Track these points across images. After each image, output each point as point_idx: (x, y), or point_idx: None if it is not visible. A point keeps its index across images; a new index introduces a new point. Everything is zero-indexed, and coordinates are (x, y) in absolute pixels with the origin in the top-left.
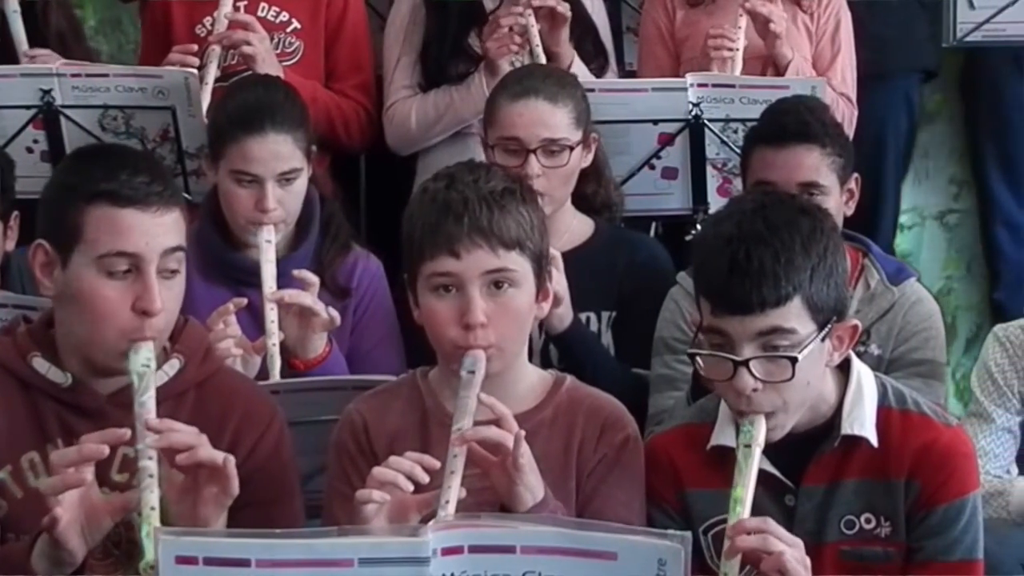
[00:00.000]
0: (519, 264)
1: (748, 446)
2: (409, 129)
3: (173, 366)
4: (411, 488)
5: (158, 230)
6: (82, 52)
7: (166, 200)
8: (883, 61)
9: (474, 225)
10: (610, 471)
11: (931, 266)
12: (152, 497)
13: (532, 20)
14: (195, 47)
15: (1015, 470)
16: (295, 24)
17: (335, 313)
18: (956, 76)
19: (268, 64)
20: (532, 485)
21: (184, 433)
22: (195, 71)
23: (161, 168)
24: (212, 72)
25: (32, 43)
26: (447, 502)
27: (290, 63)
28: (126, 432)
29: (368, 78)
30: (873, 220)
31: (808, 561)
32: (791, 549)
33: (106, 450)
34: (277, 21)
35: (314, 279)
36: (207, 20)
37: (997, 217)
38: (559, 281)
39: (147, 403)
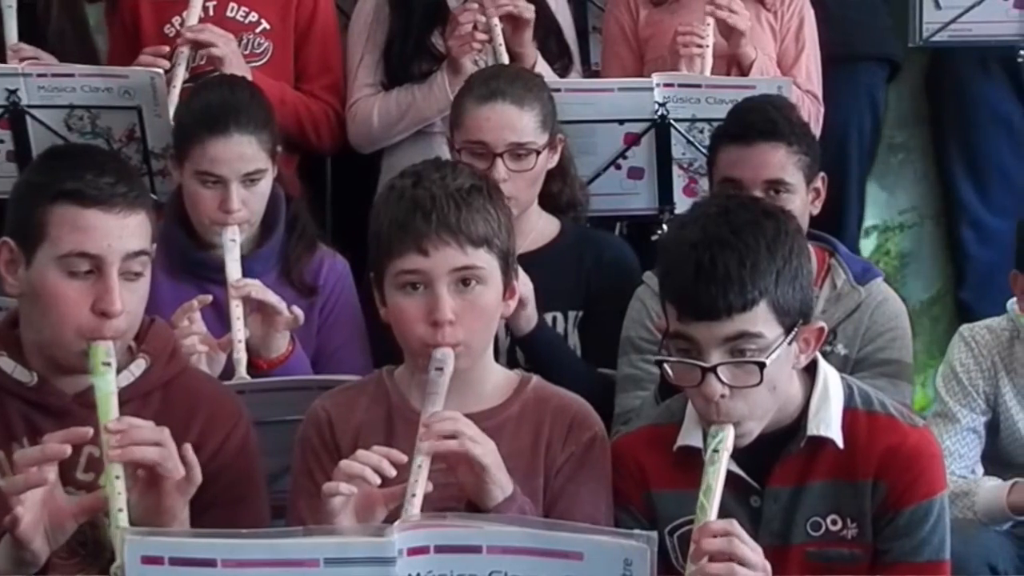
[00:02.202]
0: (487, 261)
1: (717, 451)
2: (371, 127)
3: (139, 366)
4: (378, 481)
5: (122, 232)
6: (83, 52)
7: (131, 202)
8: (846, 43)
9: (442, 223)
10: (577, 470)
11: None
12: (120, 498)
13: (496, 19)
14: (166, 49)
15: (980, 470)
16: (264, 25)
17: (299, 311)
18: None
19: (235, 67)
20: (501, 481)
21: (147, 430)
22: (161, 71)
23: (129, 169)
24: (180, 74)
25: (32, 41)
26: (413, 496)
27: (259, 64)
28: (88, 431)
29: (337, 79)
30: (838, 220)
31: (768, 566)
32: (752, 554)
33: (68, 450)
34: (246, 21)
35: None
36: (176, 20)
37: (963, 217)
38: (525, 283)
39: (109, 404)
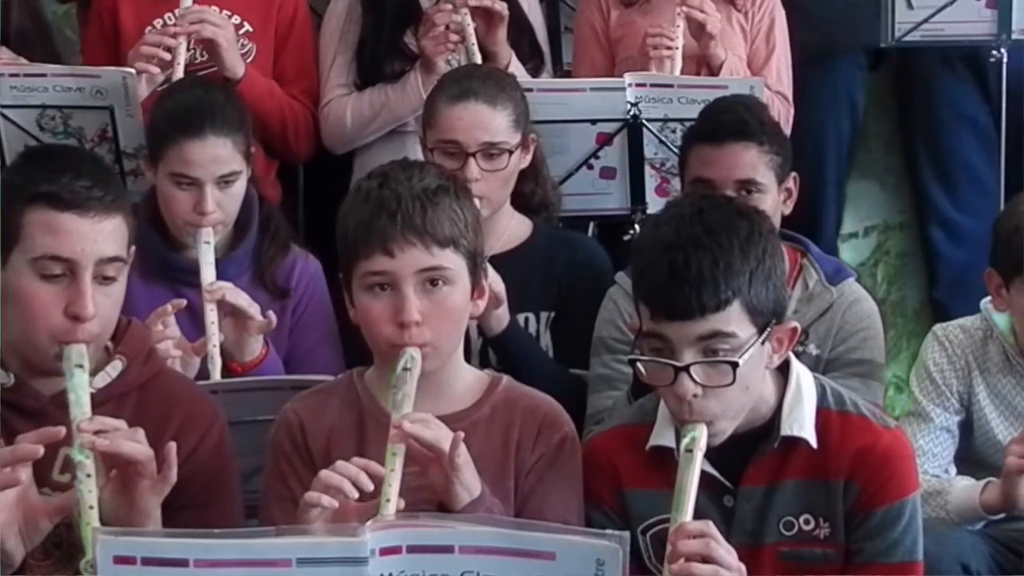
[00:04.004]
0: (453, 262)
1: (690, 451)
2: (344, 127)
3: (116, 367)
4: (356, 496)
5: (96, 237)
6: (45, 52)
7: (107, 206)
8: (823, 41)
9: (408, 223)
10: (548, 470)
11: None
12: (91, 496)
13: (468, 19)
14: (172, 30)
15: (953, 470)
16: (247, 27)
17: (272, 315)
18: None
19: (231, 50)
20: (469, 483)
21: (121, 432)
22: (134, 71)
23: (107, 173)
24: (182, 52)
25: None
26: (388, 500)
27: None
28: (60, 430)
29: (314, 84)
30: (816, 221)
31: (743, 567)
32: (728, 556)
33: (41, 450)
34: None
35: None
36: (157, 22)
37: (931, 217)
38: (497, 283)
39: (82, 404)
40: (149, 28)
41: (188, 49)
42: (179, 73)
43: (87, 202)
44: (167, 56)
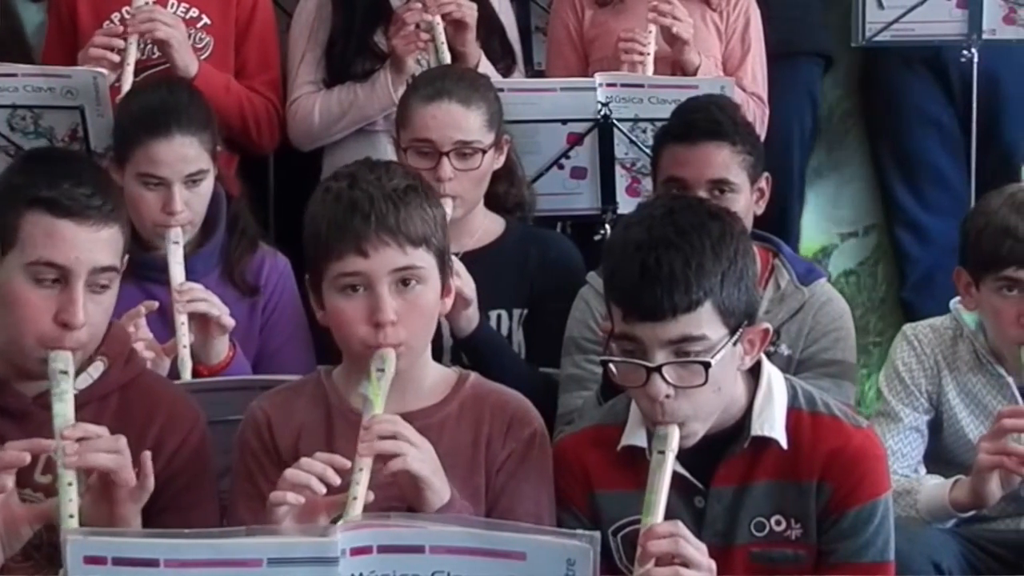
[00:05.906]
0: (426, 261)
1: (662, 452)
2: (312, 124)
3: (97, 368)
4: (323, 491)
5: (92, 246)
6: (19, 52)
7: (105, 215)
8: (785, 40)
9: (382, 223)
10: (519, 466)
11: None
12: (71, 505)
13: (438, 19)
14: (120, 29)
15: (923, 470)
16: (205, 20)
17: (229, 320)
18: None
19: (183, 51)
20: (437, 488)
21: (103, 439)
22: (104, 72)
23: (107, 181)
24: (133, 52)
25: None
26: (355, 499)
27: (201, 59)
28: (51, 443)
29: (276, 76)
30: (782, 218)
31: (713, 564)
32: (698, 554)
33: (28, 458)
34: (187, 17)
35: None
36: (115, 16)
37: (898, 219)
38: (468, 284)
39: (65, 413)
40: (107, 22)
41: (139, 48)
42: (128, 74)
43: (86, 210)
44: (116, 58)
